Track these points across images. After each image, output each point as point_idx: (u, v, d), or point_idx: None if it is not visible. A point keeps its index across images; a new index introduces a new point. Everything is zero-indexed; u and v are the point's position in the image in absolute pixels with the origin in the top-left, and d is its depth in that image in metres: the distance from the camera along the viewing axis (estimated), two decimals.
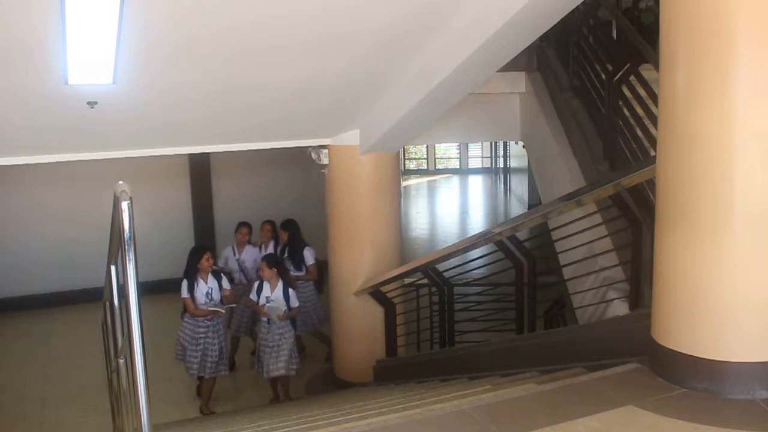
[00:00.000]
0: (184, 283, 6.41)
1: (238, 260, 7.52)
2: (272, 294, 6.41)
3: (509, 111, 7.37)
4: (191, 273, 6.43)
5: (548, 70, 6.64)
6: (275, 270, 6.49)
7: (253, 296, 6.54)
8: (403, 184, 20.56)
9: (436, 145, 22.55)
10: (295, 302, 6.44)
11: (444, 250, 5.88)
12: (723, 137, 2.58)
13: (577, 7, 4.20)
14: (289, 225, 7.38)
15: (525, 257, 4.95)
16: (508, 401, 2.99)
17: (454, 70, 4.56)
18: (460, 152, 24.17)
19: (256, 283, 6.59)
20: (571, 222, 4.54)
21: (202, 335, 6.36)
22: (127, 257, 1.96)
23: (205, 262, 6.42)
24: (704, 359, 2.71)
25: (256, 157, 8.49)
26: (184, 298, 6.39)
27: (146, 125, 5.38)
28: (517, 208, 16.45)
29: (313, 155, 6.71)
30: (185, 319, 6.45)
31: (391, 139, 6.12)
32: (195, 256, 6.51)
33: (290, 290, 6.46)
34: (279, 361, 6.30)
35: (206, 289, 6.42)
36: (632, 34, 4.83)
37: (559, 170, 5.98)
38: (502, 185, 20.25)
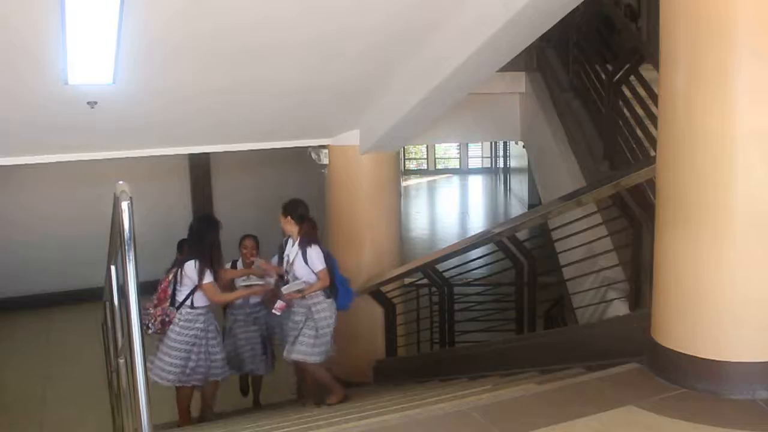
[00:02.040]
0: (208, 274, 4.94)
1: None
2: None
3: (509, 111, 7.36)
4: (208, 255, 4.96)
5: (548, 70, 6.63)
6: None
7: (277, 262, 5.50)
8: (403, 184, 20.54)
9: (436, 145, 22.54)
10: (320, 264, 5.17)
11: (444, 250, 5.87)
12: (723, 137, 2.57)
13: (578, 6, 4.19)
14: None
15: (525, 257, 4.95)
16: (508, 401, 2.99)
17: (454, 70, 4.56)
18: (460, 152, 24.16)
19: (287, 240, 5.32)
20: (571, 222, 4.54)
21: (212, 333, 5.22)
22: (127, 257, 1.96)
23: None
24: (704, 359, 2.70)
25: (256, 157, 8.47)
26: (205, 285, 4.93)
27: (146, 125, 5.37)
28: (517, 208, 16.44)
29: (313, 155, 6.71)
30: (176, 328, 5.11)
31: (391, 139, 6.12)
32: (212, 228, 5.10)
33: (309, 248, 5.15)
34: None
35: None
36: (632, 34, 4.83)
37: (559, 170, 5.98)
38: (502, 185, 20.25)
